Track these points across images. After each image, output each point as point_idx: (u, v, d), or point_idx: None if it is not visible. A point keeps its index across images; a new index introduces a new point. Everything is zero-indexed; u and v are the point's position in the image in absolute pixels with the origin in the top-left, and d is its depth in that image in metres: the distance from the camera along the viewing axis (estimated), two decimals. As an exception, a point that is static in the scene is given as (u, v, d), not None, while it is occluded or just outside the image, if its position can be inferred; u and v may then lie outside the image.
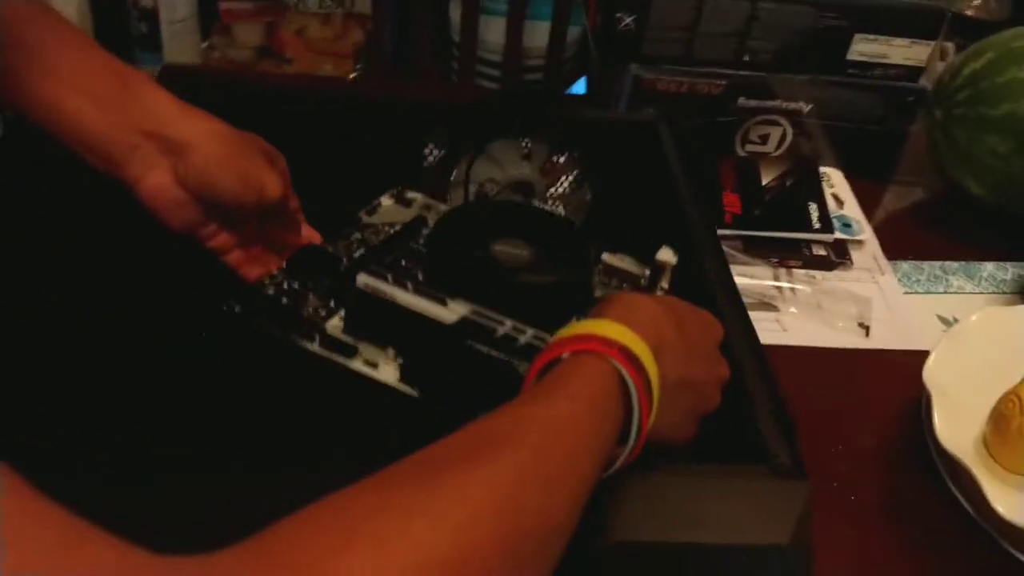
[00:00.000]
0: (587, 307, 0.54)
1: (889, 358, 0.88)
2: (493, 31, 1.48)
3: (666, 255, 0.71)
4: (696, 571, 0.50)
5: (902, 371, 0.84)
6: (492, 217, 0.72)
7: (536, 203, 0.75)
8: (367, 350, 0.64)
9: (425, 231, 0.73)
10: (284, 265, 0.70)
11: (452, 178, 0.78)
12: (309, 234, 0.73)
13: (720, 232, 0.96)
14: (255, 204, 0.63)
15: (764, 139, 1.05)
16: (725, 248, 0.94)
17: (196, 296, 0.65)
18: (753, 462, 0.54)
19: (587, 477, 0.41)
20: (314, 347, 0.63)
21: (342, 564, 0.30)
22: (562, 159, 0.78)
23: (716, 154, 1.04)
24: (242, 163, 0.62)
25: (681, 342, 0.51)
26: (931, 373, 0.75)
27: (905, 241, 1.01)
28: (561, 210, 0.81)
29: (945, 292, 0.95)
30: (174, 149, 0.59)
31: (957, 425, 0.72)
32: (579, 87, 1.21)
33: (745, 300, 0.91)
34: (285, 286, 0.67)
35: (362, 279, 0.63)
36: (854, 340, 0.89)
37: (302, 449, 0.57)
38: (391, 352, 0.64)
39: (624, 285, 0.73)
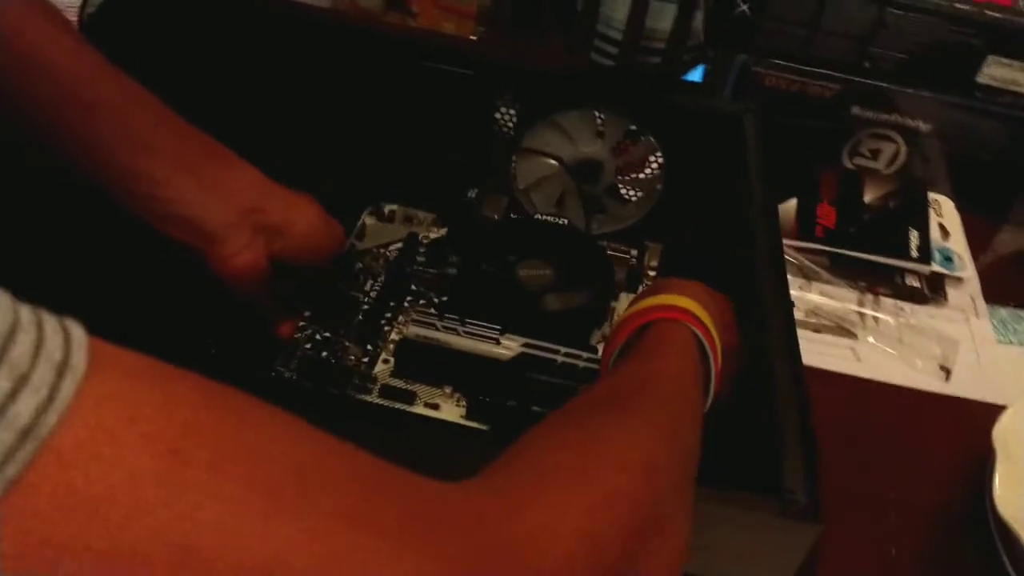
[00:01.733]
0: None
1: (966, 408, 0.81)
2: (621, 7, 1.43)
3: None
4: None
5: (977, 424, 0.77)
6: (510, 236, 0.73)
7: (541, 215, 0.75)
8: (424, 392, 0.66)
9: (421, 249, 0.75)
10: (308, 315, 0.70)
11: (522, 145, 0.75)
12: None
13: (808, 245, 0.90)
14: (335, 255, 0.68)
15: (875, 154, 0.97)
16: (809, 262, 0.89)
17: (243, 365, 0.66)
18: (770, 492, 0.49)
19: (699, 415, 0.50)
20: (373, 398, 0.65)
21: (554, 496, 0.35)
22: (638, 141, 0.73)
23: (819, 161, 0.97)
24: (329, 222, 0.65)
25: (719, 315, 0.57)
26: (1002, 432, 0.69)
27: (1009, 286, 0.93)
28: (633, 194, 0.77)
29: (1043, 347, 0.87)
30: (272, 226, 0.61)
31: (1020, 492, 0.65)
32: (696, 75, 1.15)
33: (820, 322, 0.86)
34: (318, 337, 0.69)
35: (413, 330, 0.67)
36: (932, 383, 0.83)
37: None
38: (448, 390, 0.66)
39: (619, 269, 0.75)
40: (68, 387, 0.23)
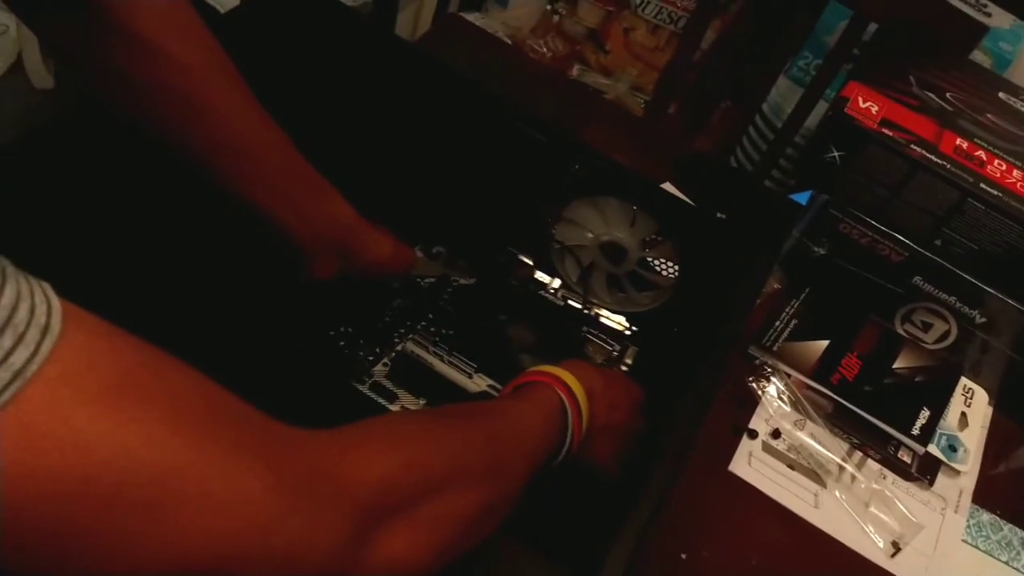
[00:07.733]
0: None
1: (897, 590, 0.84)
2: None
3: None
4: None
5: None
6: (510, 301, 0.86)
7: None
8: (404, 397, 0.78)
9: (449, 289, 0.86)
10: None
11: (563, 215, 0.83)
12: None
13: (819, 387, 0.94)
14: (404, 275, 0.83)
15: (926, 327, 1.00)
16: (811, 403, 0.93)
17: (270, 336, 0.78)
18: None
19: (533, 451, 0.62)
20: (364, 389, 0.78)
21: (372, 450, 0.48)
22: (663, 244, 0.80)
23: (868, 314, 1.01)
24: (404, 251, 0.80)
25: (607, 396, 0.70)
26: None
27: (1005, 496, 0.94)
28: (650, 286, 0.83)
29: (1007, 564, 0.88)
30: (351, 253, 0.76)
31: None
32: (803, 198, 1.18)
33: (798, 460, 0.90)
34: (342, 330, 0.81)
35: (408, 346, 0.81)
36: (875, 554, 0.86)
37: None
38: (422, 402, 0.78)
39: (599, 355, 0.84)
40: (47, 345, 0.33)
